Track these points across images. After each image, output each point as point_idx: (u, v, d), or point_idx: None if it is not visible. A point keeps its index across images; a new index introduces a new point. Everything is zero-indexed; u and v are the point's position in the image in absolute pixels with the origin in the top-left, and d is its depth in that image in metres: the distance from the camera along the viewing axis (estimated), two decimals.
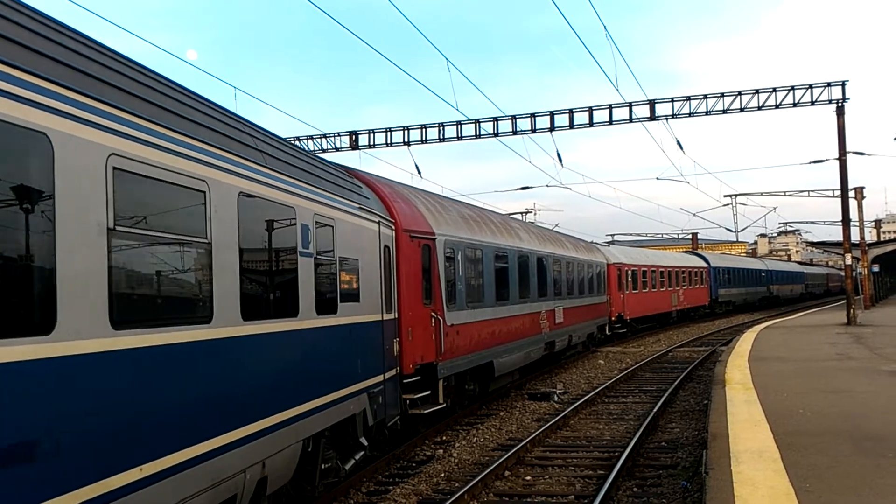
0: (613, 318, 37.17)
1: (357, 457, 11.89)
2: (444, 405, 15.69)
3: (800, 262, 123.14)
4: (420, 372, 14.91)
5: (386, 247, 13.58)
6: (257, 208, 8.76)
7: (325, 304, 10.49)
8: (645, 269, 42.77)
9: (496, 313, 19.53)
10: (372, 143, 38.35)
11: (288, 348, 9.36)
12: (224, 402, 7.78)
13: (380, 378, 12.71)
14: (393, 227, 14.12)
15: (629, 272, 39.92)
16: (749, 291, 70.61)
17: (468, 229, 18.29)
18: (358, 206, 12.21)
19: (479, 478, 11.97)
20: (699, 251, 67.48)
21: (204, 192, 7.44)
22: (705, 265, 57.85)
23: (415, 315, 14.56)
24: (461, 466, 13.60)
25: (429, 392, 14.99)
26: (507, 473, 12.94)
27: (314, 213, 10.21)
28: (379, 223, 13.14)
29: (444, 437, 16.11)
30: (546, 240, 26.43)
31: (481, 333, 18.23)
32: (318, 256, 10.28)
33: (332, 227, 10.86)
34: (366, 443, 12.18)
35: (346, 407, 11.12)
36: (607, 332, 35.71)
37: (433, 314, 15.24)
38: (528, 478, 12.80)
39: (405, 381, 14.28)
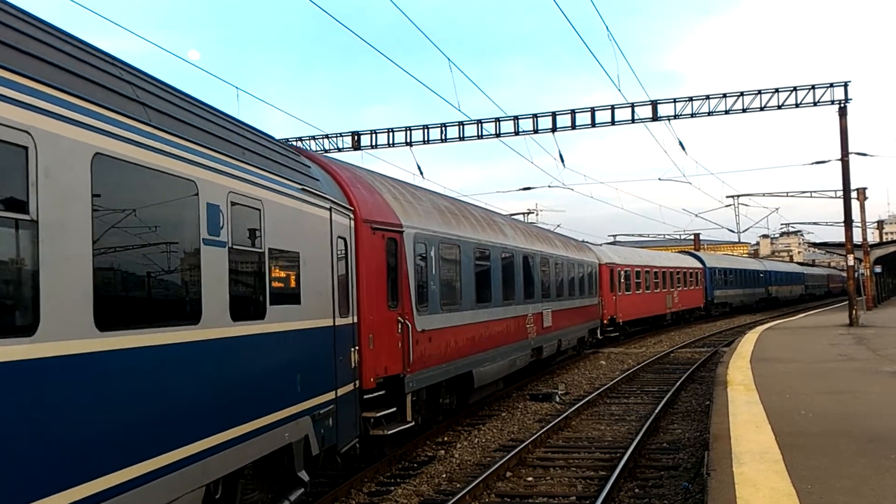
0: (605, 321, 34.81)
1: (293, 497, 9.41)
2: (413, 424, 13.37)
3: (800, 263, 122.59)
4: (384, 386, 12.66)
5: (341, 239, 11.32)
6: (129, 177, 6.37)
7: (247, 308, 8.23)
8: (638, 269, 40.47)
9: (476, 317, 17.27)
10: (374, 143, 37.17)
11: (180, 366, 6.95)
12: (49, 451, 5.29)
13: (329, 396, 10.39)
14: (351, 217, 11.81)
15: (622, 273, 37.70)
16: (746, 293, 67.49)
17: (444, 222, 15.98)
18: (301, 187, 9.84)
19: (480, 478, 11.75)
20: (694, 251, 64.34)
21: (25, 149, 5.19)
22: (700, 266, 55.24)
23: (378, 320, 12.30)
24: (463, 467, 13.35)
25: (395, 409, 12.76)
26: (508, 474, 12.73)
27: (229, 190, 7.88)
28: (331, 210, 10.78)
29: (446, 438, 15.69)
30: (533, 237, 24.12)
31: (459, 340, 15.93)
32: (236, 247, 7.98)
33: (260, 210, 8.60)
34: (306, 478, 9.75)
35: (277, 436, 8.75)
36: (599, 335, 33.24)
37: (400, 318, 12.99)
38: (530, 478, 12.59)
39: (366, 396, 11.98)
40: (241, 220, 8.36)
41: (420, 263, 14.26)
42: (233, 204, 8.12)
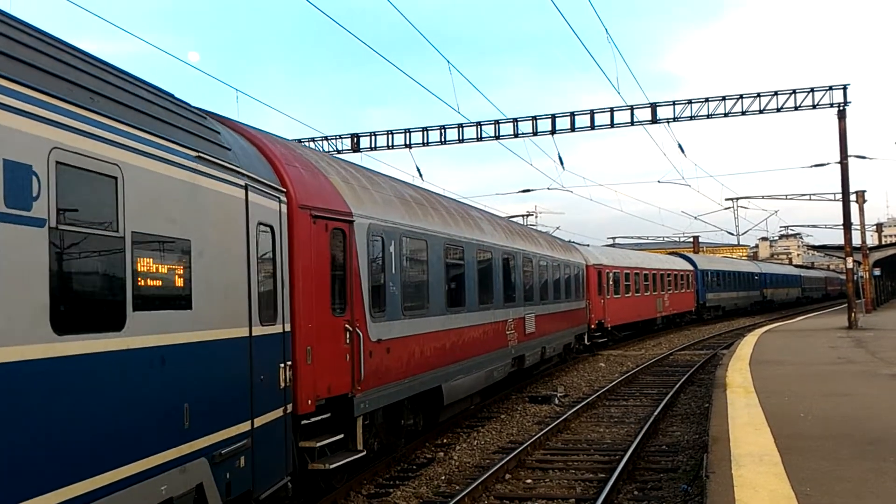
0: (593, 326, 32.09)
1: None
2: (364, 453, 11.03)
3: (797, 266, 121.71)
4: (329, 408, 10.27)
5: (266, 227, 8.92)
6: None
7: (88, 315, 5.81)
8: (628, 271, 38.05)
9: (447, 323, 14.66)
10: (373, 145, 35.95)
11: None
12: None
13: (241, 427, 8.01)
14: (283, 200, 9.45)
15: (610, 275, 35.20)
16: (740, 296, 63.84)
17: (408, 213, 13.49)
18: (197, 154, 7.41)
19: (479, 481, 11.44)
20: (685, 253, 61.11)
21: None
22: (691, 268, 52.33)
23: (319, 328, 9.88)
24: (462, 469, 13.01)
25: (342, 436, 10.44)
26: (507, 476, 12.40)
27: (53, 145, 5.45)
28: (247, 188, 8.38)
29: (445, 440, 15.22)
30: (515, 234, 21.50)
31: (425, 350, 13.47)
32: (67, 227, 5.56)
33: (117, 178, 6.17)
34: None
35: (145, 492, 6.30)
36: (586, 341, 30.62)
37: (348, 326, 10.51)
38: (529, 481, 12.25)
39: (305, 422, 9.64)
40: (80, 190, 5.84)
41: (376, 260, 11.80)
42: (61, 165, 5.57)
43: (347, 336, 10.67)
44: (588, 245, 38.34)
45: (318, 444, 9.97)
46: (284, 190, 9.66)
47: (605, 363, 29.45)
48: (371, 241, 11.59)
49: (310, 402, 9.70)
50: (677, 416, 17.61)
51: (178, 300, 7.10)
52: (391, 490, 11.67)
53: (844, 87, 32.00)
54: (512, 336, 19.42)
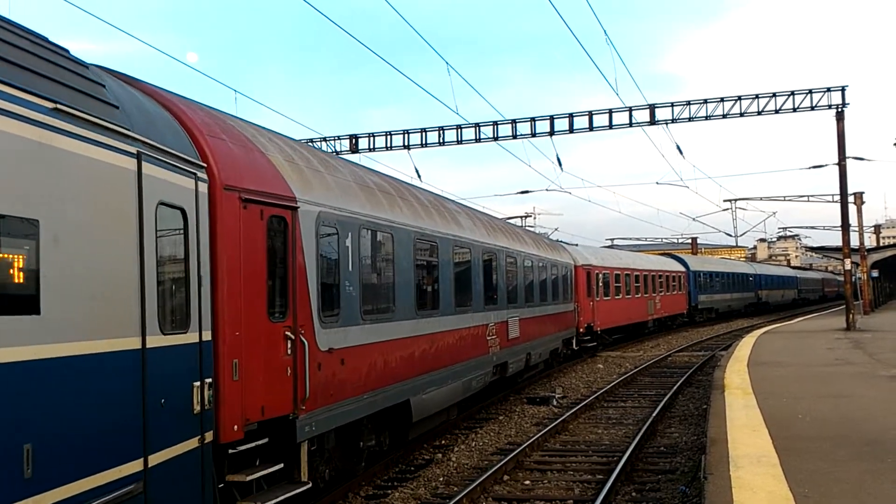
0: (582, 330, 30.01)
1: None
2: (310, 485, 9.15)
3: (795, 267, 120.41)
4: (265, 432, 8.45)
5: (173, 209, 7.08)
6: None
7: None
8: (618, 272, 36.13)
9: (417, 329, 12.75)
10: (372, 146, 34.88)
11: None
12: None
13: (131, 468, 6.17)
14: (202, 178, 7.58)
15: (600, 276, 33.23)
16: (734, 297, 61.41)
17: (370, 202, 11.54)
18: (53, 105, 5.58)
19: (477, 482, 11.22)
20: (677, 254, 58.18)
21: None
22: (683, 269, 50.19)
23: (251, 336, 8.11)
24: (460, 470, 12.76)
25: (281, 465, 8.63)
26: (505, 478, 12.19)
27: None
28: (140, 157, 6.50)
29: (443, 441, 14.89)
30: (498, 231, 19.50)
31: (390, 359, 11.61)
32: None
33: None
34: None
35: None
36: (574, 346, 28.73)
37: (290, 334, 8.70)
38: (527, 482, 12.05)
39: (233, 451, 7.94)
40: None
41: (328, 255, 9.93)
42: None
43: (289, 345, 8.74)
44: (577, 245, 36.78)
45: (249, 478, 8.02)
46: (205, 165, 7.67)
47: (603, 364, 28.70)
48: (322, 233, 9.64)
49: (236, 427, 7.75)
50: (675, 417, 17.25)
51: (13, 301, 5.12)
52: (389, 491, 11.38)
53: (843, 89, 31.18)
54: (493, 342, 17.53)
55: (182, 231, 7.29)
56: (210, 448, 7.46)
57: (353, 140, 35.62)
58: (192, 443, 7.19)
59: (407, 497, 11.17)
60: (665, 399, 18.94)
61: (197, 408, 7.26)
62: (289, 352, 8.80)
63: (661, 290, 43.95)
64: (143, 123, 6.95)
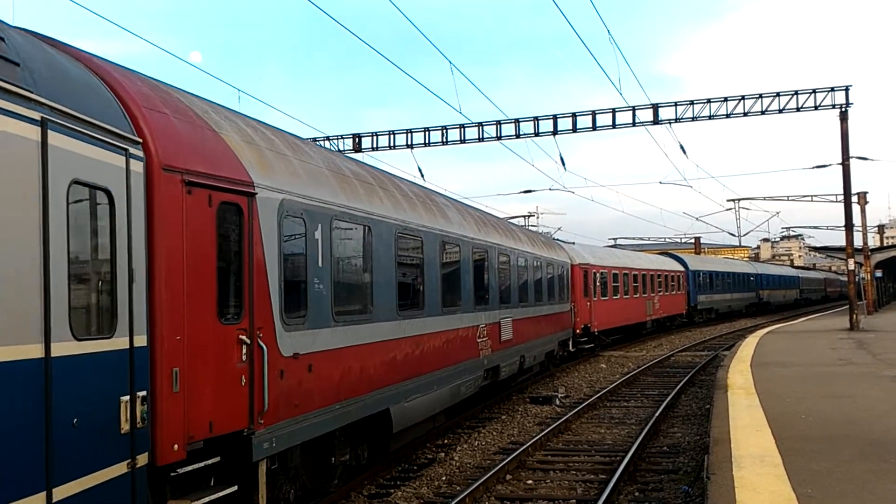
0: (578, 331, 28.80)
1: None
2: None
3: (798, 267, 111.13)
4: (216, 449, 7.27)
5: (95, 189, 5.93)
6: None
7: None
8: (616, 271, 34.85)
9: (399, 331, 11.60)
10: (375, 145, 34.39)
11: None
12: None
13: None
14: (135, 156, 6.43)
15: (598, 275, 31.97)
16: (734, 297, 59.68)
17: (344, 190, 10.28)
18: None
19: (480, 481, 11.02)
20: (680, 254, 56.68)
21: None
22: (682, 269, 48.83)
23: (195, 340, 6.96)
24: (463, 470, 12.59)
25: (235, 488, 7.46)
26: (508, 477, 12.00)
27: None
28: (45, 124, 5.36)
29: (446, 441, 14.68)
30: (490, 226, 18.25)
31: (368, 365, 10.47)
32: None
33: None
34: None
35: None
36: (571, 348, 27.39)
37: (244, 338, 7.58)
38: (530, 482, 11.85)
39: (177, 472, 6.78)
40: None
41: (293, 249, 8.78)
42: None
43: (244, 351, 7.57)
44: (573, 243, 35.74)
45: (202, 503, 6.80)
46: (140, 141, 6.48)
47: (606, 364, 28.20)
48: (286, 224, 8.46)
49: (177, 446, 6.59)
50: (678, 417, 17.00)
51: None
52: (392, 490, 11.18)
53: (846, 89, 30.38)
54: (484, 344, 16.31)
55: (108, 217, 6.04)
56: (144, 472, 6.29)
57: (357, 139, 35.44)
58: (120, 468, 5.98)
59: (409, 496, 11.07)
60: (668, 399, 18.80)
61: (126, 426, 6.05)
62: (244, 358, 7.58)
63: (660, 289, 42.84)
64: (54, 86, 5.73)
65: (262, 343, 7.90)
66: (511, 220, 29.84)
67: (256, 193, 8.01)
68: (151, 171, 6.67)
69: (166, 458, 6.58)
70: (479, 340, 15.99)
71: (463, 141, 34.32)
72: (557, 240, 33.40)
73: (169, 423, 6.64)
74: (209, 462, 7.17)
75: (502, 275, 18.18)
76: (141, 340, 6.34)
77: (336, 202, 9.89)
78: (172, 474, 6.81)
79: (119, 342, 6.08)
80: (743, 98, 31.56)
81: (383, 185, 12.44)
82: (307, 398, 8.86)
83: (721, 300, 56.88)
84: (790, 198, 48.82)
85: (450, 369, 14.00)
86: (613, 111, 32.55)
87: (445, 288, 13.94)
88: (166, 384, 6.62)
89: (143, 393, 6.30)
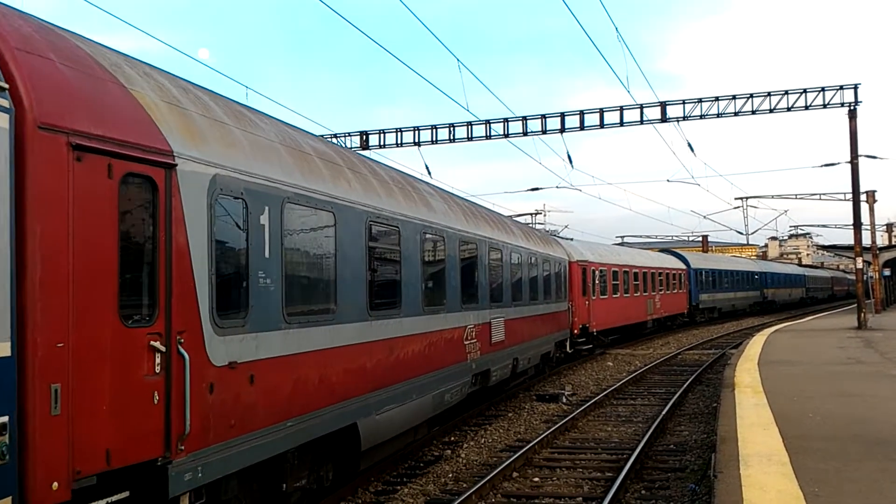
0: (576, 332, 27.11)
1: None
2: None
3: (802, 265, 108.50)
4: (124, 481, 5.81)
5: None
6: None
7: None
8: (616, 268, 33.24)
9: (369, 333, 9.99)
10: (382, 143, 33.95)
11: None
12: None
13: None
14: (1, 106, 4.99)
15: (597, 272, 30.39)
16: (738, 296, 57.80)
17: (302, 170, 8.67)
18: None
19: (486, 478, 10.85)
20: (677, 251, 53.99)
21: None
22: (684, 267, 47.08)
23: (87, 348, 5.41)
24: (469, 467, 12.35)
25: None
26: (514, 474, 11.79)
27: None
28: None
29: (452, 438, 14.51)
30: (480, 218, 16.54)
31: (328, 374, 8.88)
32: None
33: None
34: None
35: None
36: (568, 349, 25.83)
37: (157, 344, 6.05)
38: (536, 479, 11.68)
39: None
40: None
41: (231, 236, 7.16)
42: None
43: (157, 360, 6.01)
44: (572, 239, 34.33)
45: None
46: (6, 87, 5.05)
47: (612, 362, 27.65)
48: (219, 204, 6.82)
49: (56, 485, 5.09)
50: (685, 415, 16.67)
51: None
52: (398, 487, 10.98)
53: (855, 87, 29.71)
54: (473, 347, 14.76)
55: None
56: None
57: (364, 137, 35.36)
58: None
59: (416, 493, 10.94)
60: (675, 397, 18.57)
61: None
62: (157, 369, 6.00)
63: (661, 288, 40.95)
64: None
65: (183, 350, 6.25)
66: (515, 218, 29.43)
67: (177, 165, 6.37)
68: (23, 128, 5.10)
69: (43, 500, 5.07)
70: (466, 343, 14.43)
71: (470, 138, 34.14)
72: (555, 235, 32.14)
73: (44, 455, 5.06)
74: (112, 500, 5.66)
75: (493, 271, 16.54)
76: (3, 349, 4.80)
77: (290, 182, 8.19)
78: None
79: None
80: (751, 96, 31.30)
81: (353, 166, 10.61)
82: (248, 416, 7.16)
83: (724, 299, 55.01)
84: (798, 196, 48.57)
85: (432, 375, 12.41)
86: (621, 109, 32.33)
87: (428, 285, 12.40)
88: (41, 405, 5.06)
89: (4, 419, 4.74)
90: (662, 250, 52.61)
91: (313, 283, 8.89)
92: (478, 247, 15.34)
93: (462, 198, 17.61)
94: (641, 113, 31.45)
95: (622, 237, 78.73)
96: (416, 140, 33.94)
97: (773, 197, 49.92)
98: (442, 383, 12.85)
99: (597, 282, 30.39)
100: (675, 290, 44.48)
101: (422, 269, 12.05)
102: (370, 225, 10.27)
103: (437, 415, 13.11)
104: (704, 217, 70.18)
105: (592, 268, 30.15)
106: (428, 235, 12.50)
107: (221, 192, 6.95)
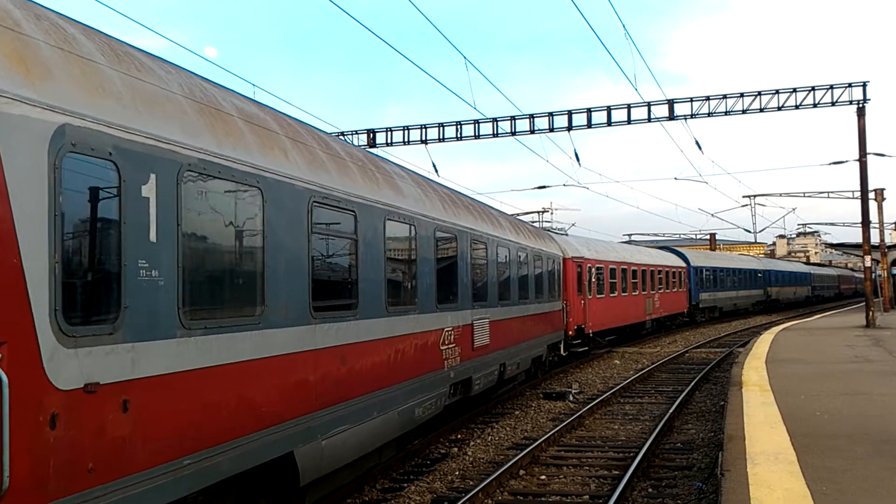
0: (571, 333, 25.15)
1: None
2: None
3: (807, 263, 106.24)
4: None
5: None
6: None
7: None
8: (614, 266, 31.34)
9: (311, 340, 7.92)
10: (389, 141, 33.59)
11: None
12: None
13: None
14: None
15: (593, 270, 28.53)
16: (740, 295, 55.82)
17: (213, 131, 6.63)
18: None
19: (493, 476, 10.77)
20: (676, 248, 52.07)
21: None
22: (684, 265, 45.17)
23: None
24: (476, 465, 12.25)
25: None
26: (521, 472, 11.73)
27: None
28: None
29: (459, 436, 14.30)
30: (461, 207, 14.52)
31: (254, 392, 6.93)
32: None
33: None
34: None
35: None
36: (562, 351, 23.82)
37: None
38: (543, 477, 11.64)
39: None
40: None
41: (90, 210, 5.35)
42: None
43: None
44: (566, 234, 32.31)
45: None
46: None
47: (620, 360, 27.28)
48: (70, 167, 5.03)
49: None
50: (692, 413, 16.54)
51: None
52: (405, 485, 10.87)
53: (864, 85, 29.14)
54: (451, 352, 12.87)
55: None
56: None
57: (371, 135, 35.35)
58: None
59: (423, 490, 10.91)
60: (682, 395, 18.51)
61: None
62: None
63: (661, 286, 39.01)
64: None
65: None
66: (522, 216, 28.95)
67: None
68: None
69: None
70: (443, 348, 12.55)
71: (477, 136, 34.00)
72: (549, 230, 30.15)
73: None
74: None
75: (477, 267, 14.62)
76: None
77: (194, 145, 6.19)
78: None
79: None
80: (759, 94, 31.05)
81: (296, 135, 8.43)
82: (118, 456, 5.21)
83: (725, 298, 52.74)
84: (806, 194, 48.31)
85: (399, 387, 10.39)
86: (628, 107, 32.09)
87: (393, 282, 10.47)
88: None
89: None
90: (662, 247, 50.37)
91: (229, 277, 6.86)
92: (458, 238, 13.47)
93: (442, 185, 15.35)
94: (649, 111, 31.24)
95: (629, 235, 78.47)
96: (424, 138, 33.83)
97: (780, 195, 49.55)
98: (411, 396, 10.85)
99: (593, 280, 28.62)
100: (675, 289, 42.55)
101: (385, 263, 10.05)
102: (314, 207, 8.22)
103: (407, 433, 11.47)
104: (712, 215, 69.69)
105: (589, 265, 28.28)
106: (394, 223, 10.52)
107: (74, 149, 5.01)
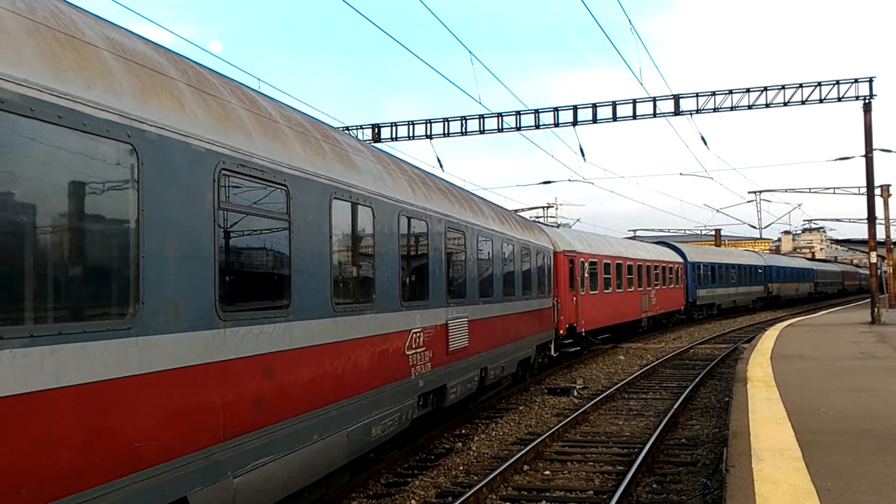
0: (562, 332, 23.56)
1: None
2: None
3: (810, 259, 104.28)
4: None
5: None
6: None
7: None
8: (608, 260, 29.67)
9: (217, 349, 6.26)
10: (394, 135, 33.49)
11: None
12: None
13: None
14: None
15: (586, 264, 26.81)
16: (739, 292, 54.21)
17: (51, 61, 4.79)
18: None
19: (497, 471, 10.73)
20: (673, 243, 50.15)
21: None
22: (681, 260, 43.54)
23: None
24: (480, 460, 12.24)
25: None
26: (525, 468, 11.70)
27: None
28: None
29: (463, 431, 14.31)
30: (436, 190, 12.86)
31: (124, 423, 5.17)
32: None
33: None
34: None
35: None
36: (553, 352, 22.38)
37: None
38: (547, 472, 11.59)
39: None
40: None
41: None
42: None
43: None
44: (558, 226, 31.48)
45: None
46: None
47: (624, 356, 27.25)
48: None
49: None
50: (697, 409, 16.53)
51: None
52: (410, 479, 10.86)
53: (870, 80, 29.10)
54: (420, 358, 11.22)
55: None
56: None
57: (376, 129, 35.38)
58: None
59: (427, 485, 10.93)
60: (687, 391, 18.45)
61: None
62: None
63: (657, 283, 37.48)
64: None
65: None
66: (525, 211, 28.58)
67: None
68: None
69: None
70: (410, 353, 10.84)
71: (482, 131, 33.95)
72: (539, 222, 28.94)
73: None
74: None
75: (453, 259, 12.94)
76: None
77: (17, 77, 4.55)
78: None
79: None
80: (765, 89, 30.99)
81: (201, 83, 6.70)
82: None
83: (724, 294, 50.95)
84: (812, 190, 48.26)
85: (349, 402, 8.63)
86: (634, 101, 32.02)
87: (342, 275, 8.77)
88: None
89: None
90: (658, 242, 48.38)
91: (82, 266, 5.04)
92: (429, 226, 11.73)
93: (413, 165, 13.48)
94: (654, 106, 31.20)
95: (634, 231, 78.45)
96: (428, 132, 33.82)
97: (786, 191, 49.51)
98: (366, 412, 9.03)
99: (586, 275, 26.87)
100: (671, 286, 40.75)
101: (330, 253, 8.32)
102: (223, 175, 6.39)
103: (364, 454, 9.66)
104: (717, 211, 69.70)
105: (581, 259, 26.53)
106: (344, 202, 8.78)
107: None
